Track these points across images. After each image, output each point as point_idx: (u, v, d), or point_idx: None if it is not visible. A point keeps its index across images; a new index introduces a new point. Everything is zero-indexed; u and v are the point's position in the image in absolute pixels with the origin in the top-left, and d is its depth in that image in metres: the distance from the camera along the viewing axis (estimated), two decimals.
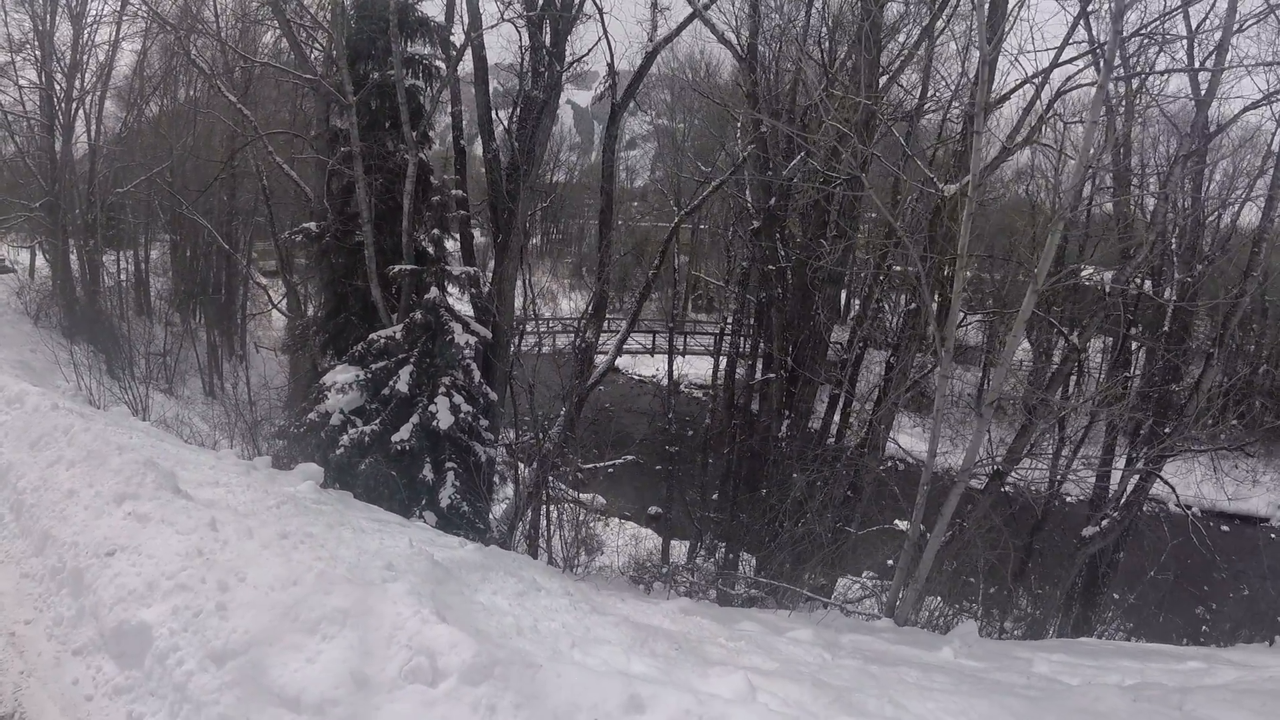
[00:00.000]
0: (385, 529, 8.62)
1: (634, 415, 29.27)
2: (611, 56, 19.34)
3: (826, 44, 21.33)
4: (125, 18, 27.89)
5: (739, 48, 19.67)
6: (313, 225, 16.10)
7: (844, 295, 36.08)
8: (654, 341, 36.10)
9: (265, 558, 5.16)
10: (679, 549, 22.54)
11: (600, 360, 20.39)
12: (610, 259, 21.48)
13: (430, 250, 14.19)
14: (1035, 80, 13.23)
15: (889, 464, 20.39)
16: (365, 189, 14.60)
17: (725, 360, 25.58)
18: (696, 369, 35.25)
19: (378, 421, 13.94)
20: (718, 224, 34.06)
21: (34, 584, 5.68)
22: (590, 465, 18.68)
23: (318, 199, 17.23)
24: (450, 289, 14.67)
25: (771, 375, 21.14)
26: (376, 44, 15.75)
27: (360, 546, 7.15)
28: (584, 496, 18.51)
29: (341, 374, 14.26)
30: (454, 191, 14.23)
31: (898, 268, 22.24)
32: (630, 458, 26.71)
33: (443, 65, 16.92)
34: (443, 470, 13.92)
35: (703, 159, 37.43)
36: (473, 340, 13.77)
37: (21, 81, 28.37)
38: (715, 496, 24.13)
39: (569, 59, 18.22)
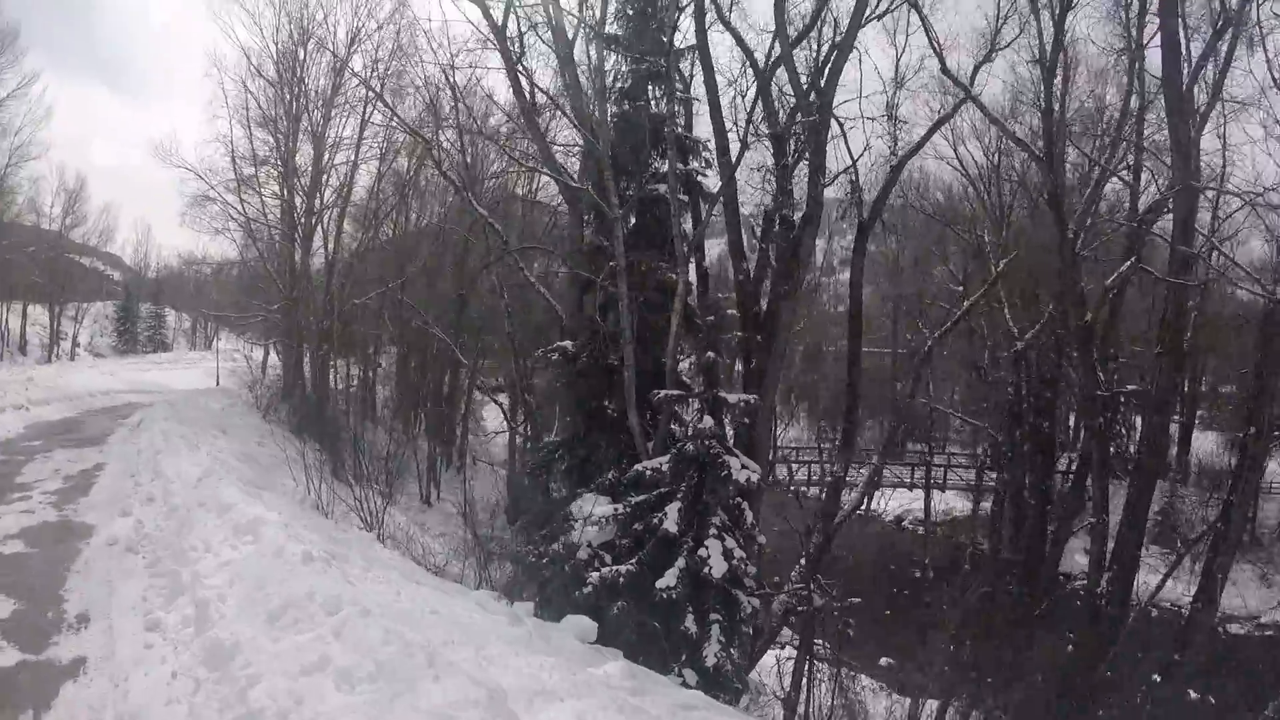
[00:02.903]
0: None
1: (861, 552, 26.82)
2: (856, 173, 18.06)
3: None
4: (364, 141, 29.25)
5: (1035, 149, 18.06)
6: (568, 344, 15.20)
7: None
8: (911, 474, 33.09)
9: None
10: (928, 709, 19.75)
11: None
12: (859, 388, 19.63)
13: (698, 375, 12.77)
14: None
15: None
16: (629, 306, 13.50)
17: (976, 499, 23.06)
18: (920, 504, 32.36)
19: (633, 562, 12.45)
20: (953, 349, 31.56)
21: None
22: (845, 621, 16.50)
23: (570, 317, 16.40)
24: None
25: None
26: (639, 158, 15.00)
27: None
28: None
29: (596, 506, 12.97)
30: (729, 312, 12.84)
31: None
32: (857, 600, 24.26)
33: (704, 180, 16.02)
34: (707, 623, 12.17)
35: (923, 279, 35.61)
36: (753, 477, 12.13)
37: (265, 194, 29.96)
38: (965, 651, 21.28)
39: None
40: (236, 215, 30.17)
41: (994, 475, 25.84)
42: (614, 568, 12.45)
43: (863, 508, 20.88)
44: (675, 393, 13.02)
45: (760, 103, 16.82)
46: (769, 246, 16.94)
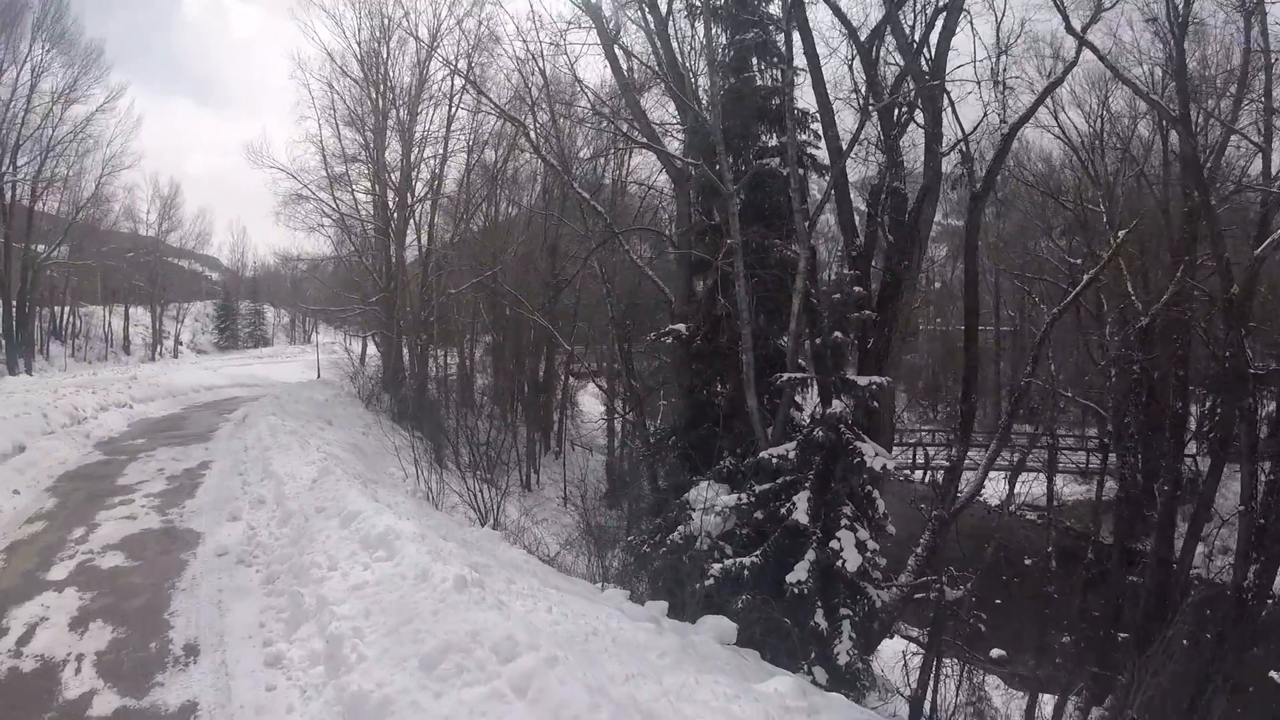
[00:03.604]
0: None
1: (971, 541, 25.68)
2: (966, 144, 16.99)
3: None
4: (451, 134, 29.63)
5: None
6: (682, 327, 14.64)
7: None
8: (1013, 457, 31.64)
9: None
10: (1046, 705, 18.69)
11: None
12: (978, 368, 18.63)
13: (826, 356, 12.01)
14: None
15: None
16: (746, 286, 12.85)
17: (1099, 484, 21.84)
18: (1032, 490, 30.78)
19: (758, 553, 11.84)
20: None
21: None
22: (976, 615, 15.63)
23: (680, 299, 15.84)
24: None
25: None
26: (750, 132, 14.37)
27: None
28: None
29: (718, 495, 12.42)
30: (854, 289, 12.07)
31: None
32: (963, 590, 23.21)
33: (817, 153, 15.27)
34: (837, 618, 11.52)
35: (1023, 252, 33.99)
36: (888, 465, 11.41)
37: (357, 190, 30.55)
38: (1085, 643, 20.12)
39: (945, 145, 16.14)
40: (330, 212, 30.76)
41: (1112, 459, 24.38)
42: (737, 559, 11.89)
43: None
44: (799, 375, 12.32)
45: (863, 71, 16.06)
46: (882, 220, 16.16)
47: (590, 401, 41.46)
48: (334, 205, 30.22)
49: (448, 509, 15.08)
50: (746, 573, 11.72)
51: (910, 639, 18.28)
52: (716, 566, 11.93)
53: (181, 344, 66.70)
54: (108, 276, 55.04)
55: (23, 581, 8.33)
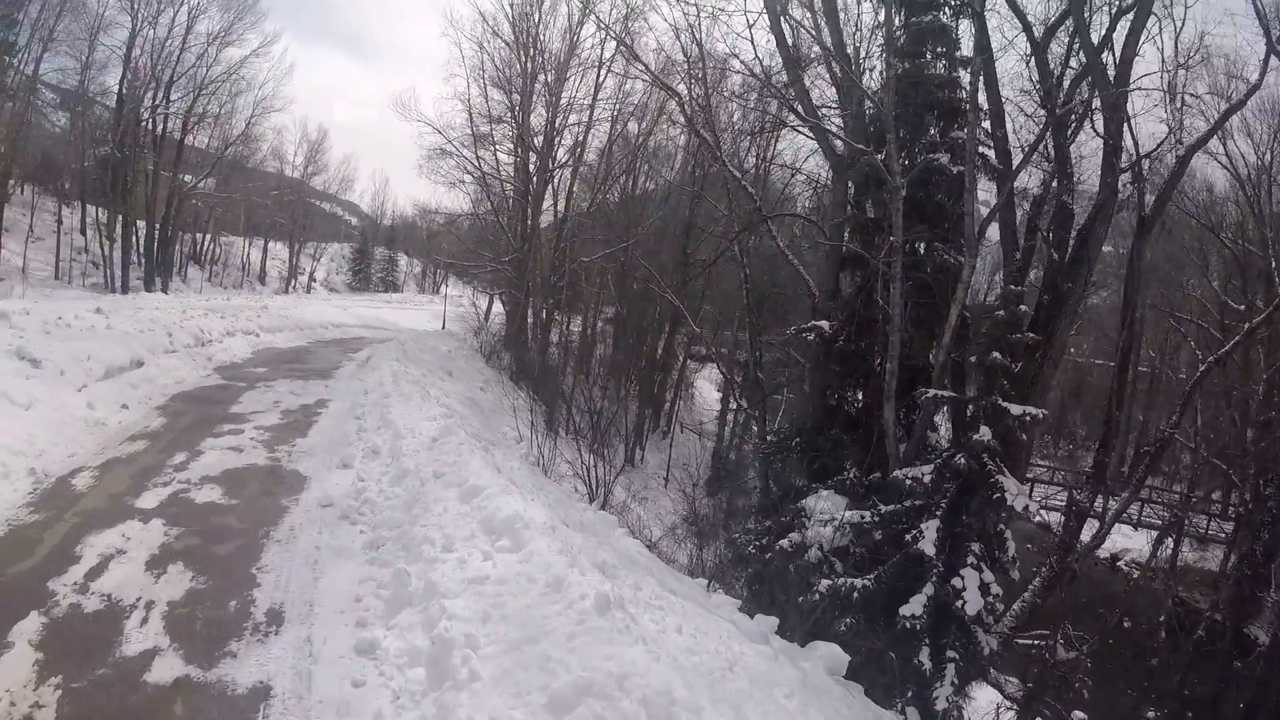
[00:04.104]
0: None
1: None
2: (1141, 162, 15.62)
3: None
4: (597, 102, 29.39)
5: None
6: (825, 324, 13.81)
7: None
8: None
9: None
10: None
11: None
12: (1125, 411, 17.24)
13: (977, 377, 11.09)
14: None
15: None
16: (901, 289, 11.97)
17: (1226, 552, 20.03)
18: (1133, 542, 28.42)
19: (871, 576, 11.05)
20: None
21: None
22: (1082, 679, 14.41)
23: (823, 294, 15.00)
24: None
25: None
26: (922, 122, 13.43)
27: None
28: None
29: (836, 507, 11.65)
30: (1019, 307, 11.04)
31: None
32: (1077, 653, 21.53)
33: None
34: (943, 659, 10.66)
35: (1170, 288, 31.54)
36: (1030, 506, 10.46)
37: (500, 151, 30.72)
38: None
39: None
40: (471, 169, 30.88)
41: (1237, 530, 22.25)
42: (847, 579, 11.14)
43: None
44: (948, 394, 11.40)
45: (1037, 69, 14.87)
46: (1046, 235, 14.99)
47: (704, 386, 40.97)
48: (476, 163, 30.37)
49: (556, 477, 14.75)
50: (856, 595, 10.98)
51: (999, 688, 17.10)
52: (825, 583, 11.22)
53: (315, 281, 69.05)
54: (251, 211, 57.44)
55: (109, 505, 7.97)
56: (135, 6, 36.89)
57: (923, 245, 13.38)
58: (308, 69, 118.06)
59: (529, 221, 29.48)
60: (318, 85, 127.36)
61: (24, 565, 6.40)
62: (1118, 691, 19.39)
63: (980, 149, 14.39)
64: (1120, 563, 27.00)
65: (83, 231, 41.00)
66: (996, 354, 10.55)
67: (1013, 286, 11.64)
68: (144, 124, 39.49)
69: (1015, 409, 10.61)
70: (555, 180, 30.70)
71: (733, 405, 30.08)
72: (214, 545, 7.18)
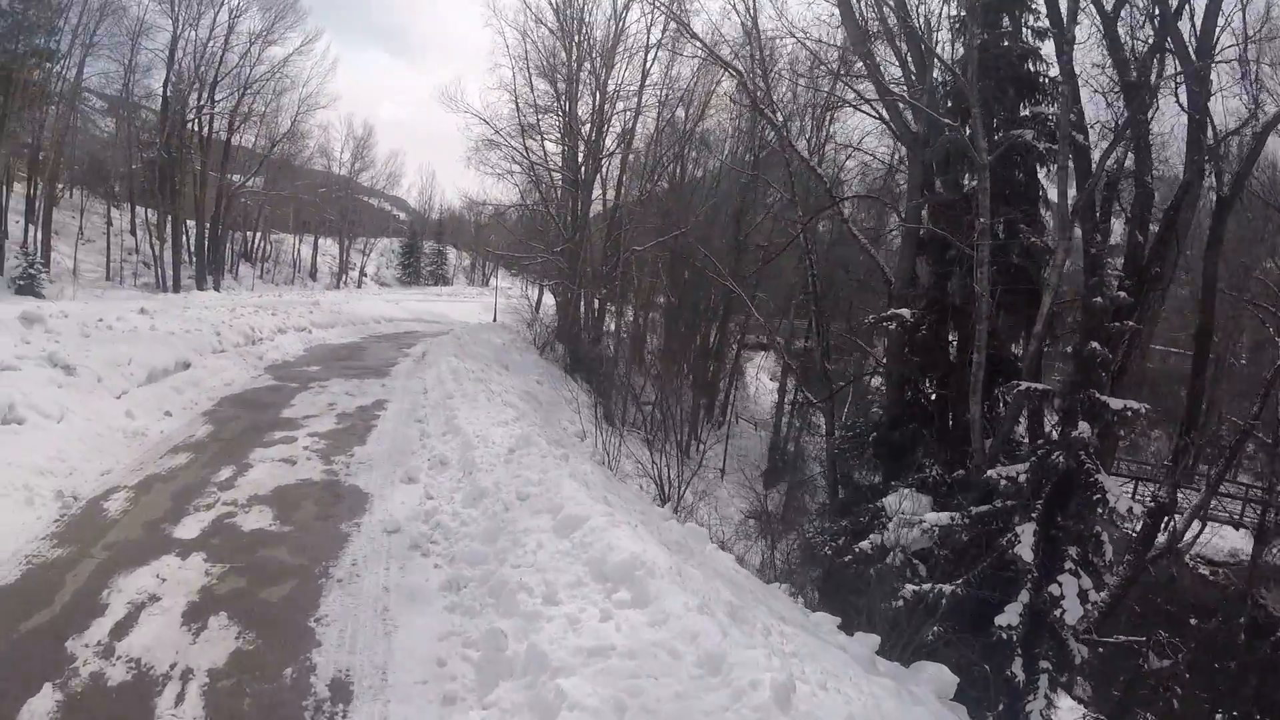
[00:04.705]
0: None
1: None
2: (1224, 136, 14.65)
3: None
4: (645, 89, 28.95)
5: None
6: (906, 312, 13.07)
7: None
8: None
9: None
10: None
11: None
12: (1204, 401, 16.20)
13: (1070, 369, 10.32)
14: None
15: None
16: (988, 274, 11.21)
17: None
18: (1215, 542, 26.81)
19: (960, 583, 10.36)
20: None
21: None
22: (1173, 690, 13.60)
23: (902, 282, 14.23)
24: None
25: None
26: (1006, 96, 12.65)
27: None
28: None
29: (917, 506, 10.98)
30: (1119, 294, 10.22)
31: None
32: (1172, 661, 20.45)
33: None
34: (1036, 670, 9.97)
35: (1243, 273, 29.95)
36: (1134, 509, 9.71)
37: (548, 140, 30.24)
38: None
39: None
40: (519, 160, 30.47)
41: None
42: (935, 585, 10.45)
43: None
44: (1041, 386, 10.60)
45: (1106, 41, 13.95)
46: (1132, 216, 14.10)
47: (758, 375, 40.27)
48: (524, 154, 30.00)
49: (621, 475, 14.20)
50: (944, 602, 10.29)
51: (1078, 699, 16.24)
52: (909, 588, 10.54)
53: (366, 275, 69.31)
54: (300, 208, 58.14)
55: (143, 535, 7.13)
56: (175, 10, 37.44)
57: (1001, 227, 12.53)
58: (351, 68, 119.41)
59: (579, 211, 29.05)
60: (362, 84, 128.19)
61: (41, 619, 5.55)
62: (1191, 694, 18.45)
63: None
64: (1198, 561, 25.81)
65: (132, 232, 41.57)
66: (1095, 343, 9.78)
67: (1109, 272, 10.82)
68: (190, 125, 40.00)
69: (1115, 403, 9.86)
70: (604, 168, 30.33)
71: (789, 395, 29.51)
72: (263, 588, 6.29)
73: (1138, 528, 13.63)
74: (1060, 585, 9.67)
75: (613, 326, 31.81)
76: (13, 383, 9.79)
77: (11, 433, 8.69)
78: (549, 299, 35.52)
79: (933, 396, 13.38)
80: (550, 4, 28.47)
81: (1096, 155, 14.08)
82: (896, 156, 18.92)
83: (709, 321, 32.42)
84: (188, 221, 40.66)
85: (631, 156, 31.51)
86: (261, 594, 6.15)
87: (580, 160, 29.03)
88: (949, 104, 13.68)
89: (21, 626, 5.41)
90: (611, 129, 29.93)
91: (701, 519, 14.66)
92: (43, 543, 6.81)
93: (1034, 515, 9.90)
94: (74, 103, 36.67)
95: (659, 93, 29.69)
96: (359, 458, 10.21)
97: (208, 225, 41.56)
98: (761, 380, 39.84)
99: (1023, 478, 9.97)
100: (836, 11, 15.40)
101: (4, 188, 32.53)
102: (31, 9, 31.37)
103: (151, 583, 6.16)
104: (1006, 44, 13.52)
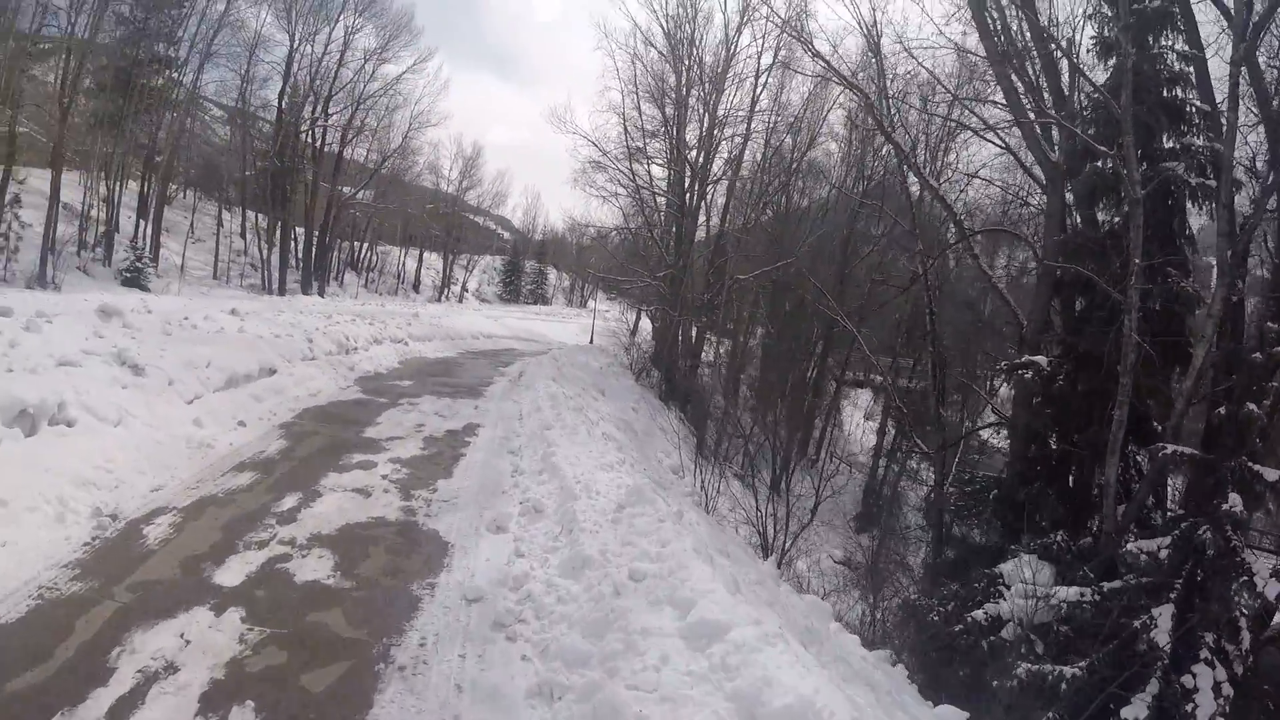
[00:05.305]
0: None
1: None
2: None
3: None
4: (755, 114, 28.61)
5: None
6: (1043, 360, 12.00)
7: None
8: None
9: None
10: None
11: None
12: None
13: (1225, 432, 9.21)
14: None
15: None
16: (1133, 321, 10.12)
17: None
18: None
19: (1083, 665, 9.29)
20: None
21: None
22: None
23: (1035, 326, 13.14)
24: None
25: None
26: (1158, 121, 11.60)
27: None
28: None
29: (1044, 575, 9.98)
30: (1277, 349, 9.10)
31: None
32: None
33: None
34: None
35: None
36: None
37: (655, 164, 30.03)
38: None
39: None
40: (625, 183, 30.19)
41: None
42: (1056, 667, 9.41)
43: None
44: (1190, 451, 9.48)
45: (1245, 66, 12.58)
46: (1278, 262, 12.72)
47: (854, 414, 39.02)
48: (630, 177, 29.72)
49: (718, 516, 13.38)
50: (1064, 686, 9.25)
51: None
52: (1023, 667, 9.54)
53: (467, 291, 70.80)
54: (407, 222, 60.11)
55: (180, 576, 6.14)
56: (292, 24, 39.08)
57: (1165, 270, 11.36)
58: (461, 91, 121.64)
59: (683, 236, 28.55)
60: (471, 106, 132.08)
61: (33, 678, 4.54)
62: None
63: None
64: None
65: (242, 235, 43.31)
66: (1251, 405, 8.67)
67: (1270, 324, 9.63)
68: (303, 135, 41.48)
69: (1270, 474, 8.72)
70: (709, 195, 29.83)
71: (888, 436, 28.34)
72: (306, 670, 5.05)
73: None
74: (1194, 676, 8.58)
75: (711, 356, 31.13)
76: (70, 379, 8.99)
77: (58, 435, 7.93)
78: (645, 323, 35.11)
79: (1057, 453, 12.26)
80: (661, 26, 28.31)
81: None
82: (1024, 189, 17.73)
83: (809, 355, 31.48)
84: (297, 228, 42.11)
85: (739, 184, 30.90)
86: (303, 679, 4.95)
87: (686, 185, 28.54)
88: (1090, 131, 12.57)
89: (6, 687, 4.45)
90: (719, 154, 29.43)
91: (799, 570, 13.82)
92: (63, 571, 5.95)
93: (1171, 596, 8.82)
94: (190, 108, 38.31)
95: (767, 119, 29.26)
96: (442, 494, 9.18)
97: (316, 233, 43.16)
98: (855, 419, 38.56)
99: (1164, 553, 8.89)
100: (958, 35, 14.54)
101: (119, 184, 33.74)
102: (151, 18, 32.93)
103: (173, 644, 5.12)
104: (1158, 67, 12.39)
